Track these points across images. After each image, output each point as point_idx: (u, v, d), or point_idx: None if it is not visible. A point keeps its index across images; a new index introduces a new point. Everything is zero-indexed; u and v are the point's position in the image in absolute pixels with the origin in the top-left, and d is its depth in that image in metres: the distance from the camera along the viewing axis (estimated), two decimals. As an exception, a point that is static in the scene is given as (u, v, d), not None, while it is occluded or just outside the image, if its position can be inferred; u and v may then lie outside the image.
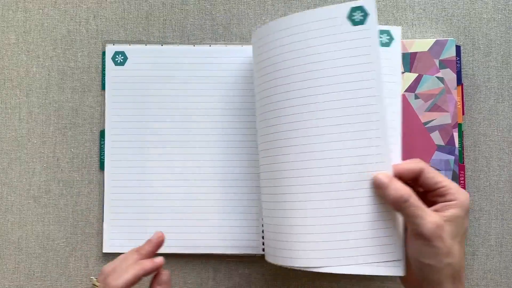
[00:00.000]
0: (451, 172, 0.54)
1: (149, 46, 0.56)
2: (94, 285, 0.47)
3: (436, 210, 0.42)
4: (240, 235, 0.54)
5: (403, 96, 0.54)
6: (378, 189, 0.44)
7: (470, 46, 0.56)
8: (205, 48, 0.55)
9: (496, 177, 0.55)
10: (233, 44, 0.56)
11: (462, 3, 0.56)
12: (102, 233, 0.55)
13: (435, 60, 0.55)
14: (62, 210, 0.55)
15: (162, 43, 0.56)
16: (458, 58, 0.55)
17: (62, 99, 0.56)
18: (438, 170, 0.52)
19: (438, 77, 0.55)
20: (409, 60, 0.55)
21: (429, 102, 0.54)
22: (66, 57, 0.57)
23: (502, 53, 0.56)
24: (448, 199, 0.42)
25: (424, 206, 0.42)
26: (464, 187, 0.54)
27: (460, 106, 0.54)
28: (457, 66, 0.55)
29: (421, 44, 0.55)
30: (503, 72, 0.56)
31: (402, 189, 0.42)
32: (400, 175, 0.44)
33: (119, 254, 0.54)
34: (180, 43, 0.56)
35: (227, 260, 0.55)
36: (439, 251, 0.41)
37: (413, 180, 0.44)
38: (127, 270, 0.45)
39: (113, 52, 0.55)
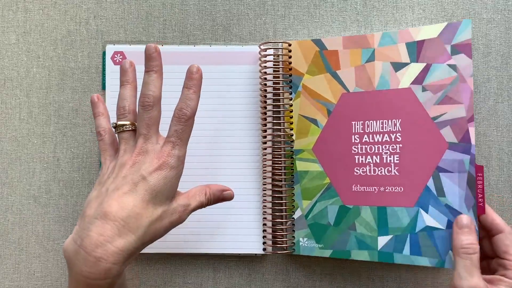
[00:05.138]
0: (466, 174, 0.47)
1: (149, 46, 0.56)
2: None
3: (489, 280, 0.44)
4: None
5: (409, 90, 0.50)
6: (457, 227, 0.45)
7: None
8: (205, 48, 0.56)
9: (496, 177, 0.55)
10: (233, 44, 0.56)
11: (462, 3, 0.56)
12: (102, 233, 0.55)
13: (446, 46, 0.48)
14: (62, 210, 0.56)
15: (162, 43, 0.56)
16: None
17: (62, 99, 0.56)
18: (450, 172, 0.48)
19: (449, 65, 0.48)
20: (416, 49, 0.49)
21: (439, 93, 0.48)
22: (66, 57, 0.57)
23: (502, 53, 0.56)
24: (508, 275, 0.44)
25: (478, 269, 0.43)
26: (482, 193, 0.47)
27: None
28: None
29: (430, 30, 0.49)
30: (503, 72, 0.56)
31: (475, 242, 0.44)
32: (485, 222, 0.47)
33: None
34: (180, 43, 0.56)
35: (227, 260, 0.55)
36: None
37: (486, 231, 0.47)
38: None
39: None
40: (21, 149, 0.56)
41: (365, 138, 0.51)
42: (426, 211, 0.48)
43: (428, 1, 0.56)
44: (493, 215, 0.47)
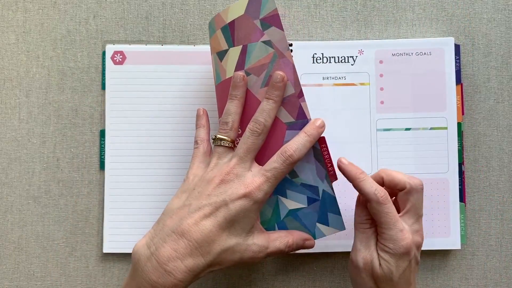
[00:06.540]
0: (311, 148, 0.45)
1: (149, 46, 0.56)
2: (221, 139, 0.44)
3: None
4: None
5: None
6: (359, 201, 0.46)
7: (470, 46, 0.56)
8: (205, 48, 0.55)
9: (496, 177, 0.55)
10: (233, 44, 0.56)
11: (462, 3, 0.56)
12: (102, 233, 0.55)
13: (255, 21, 0.45)
14: (62, 210, 0.55)
15: (162, 43, 0.56)
16: (457, 57, 0.55)
17: (62, 99, 0.56)
18: None
19: (264, 42, 0.45)
20: (229, 33, 0.46)
21: (263, 75, 0.45)
22: (66, 57, 0.57)
23: (502, 53, 0.56)
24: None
25: (373, 240, 0.45)
26: (331, 162, 0.45)
27: (460, 106, 0.54)
28: (457, 65, 0.54)
29: (236, 8, 0.45)
30: (503, 72, 0.56)
31: (372, 217, 0.45)
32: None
33: (119, 254, 0.54)
34: (180, 43, 0.56)
35: (227, 260, 0.55)
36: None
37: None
38: None
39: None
40: (20, 149, 0.56)
41: None
42: (285, 197, 0.46)
43: (428, 1, 0.56)
44: (394, 174, 0.45)
